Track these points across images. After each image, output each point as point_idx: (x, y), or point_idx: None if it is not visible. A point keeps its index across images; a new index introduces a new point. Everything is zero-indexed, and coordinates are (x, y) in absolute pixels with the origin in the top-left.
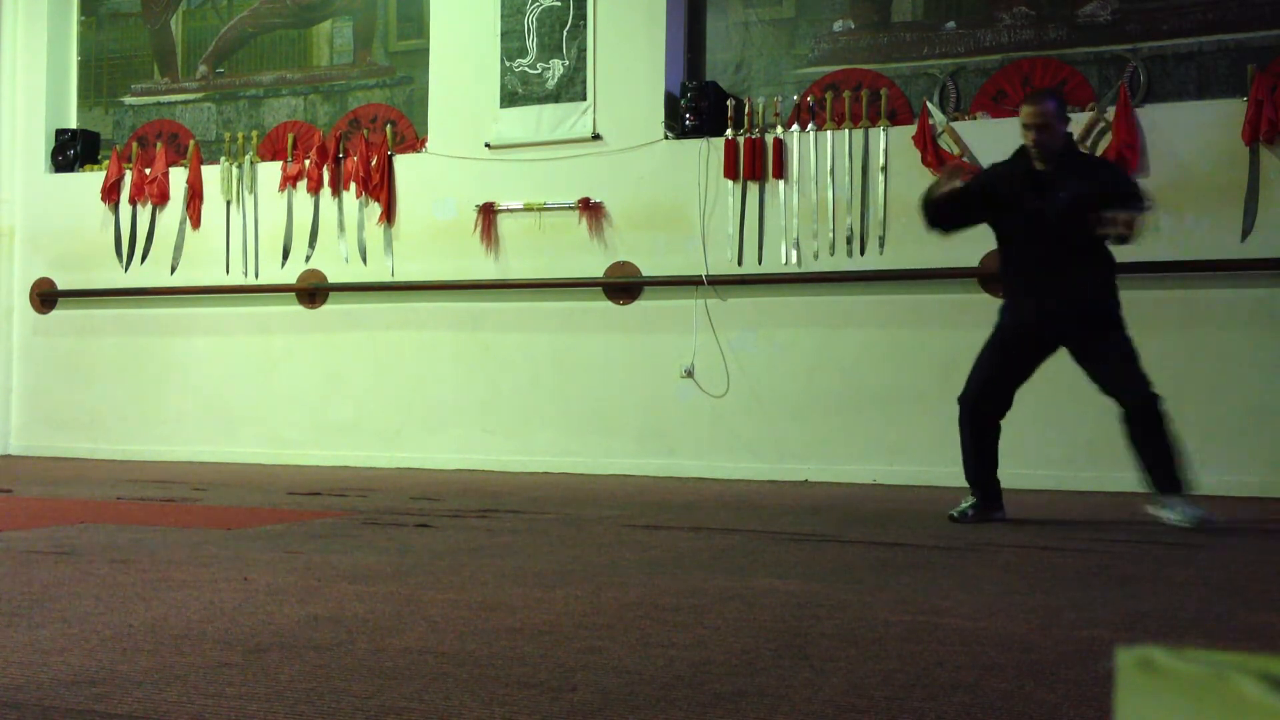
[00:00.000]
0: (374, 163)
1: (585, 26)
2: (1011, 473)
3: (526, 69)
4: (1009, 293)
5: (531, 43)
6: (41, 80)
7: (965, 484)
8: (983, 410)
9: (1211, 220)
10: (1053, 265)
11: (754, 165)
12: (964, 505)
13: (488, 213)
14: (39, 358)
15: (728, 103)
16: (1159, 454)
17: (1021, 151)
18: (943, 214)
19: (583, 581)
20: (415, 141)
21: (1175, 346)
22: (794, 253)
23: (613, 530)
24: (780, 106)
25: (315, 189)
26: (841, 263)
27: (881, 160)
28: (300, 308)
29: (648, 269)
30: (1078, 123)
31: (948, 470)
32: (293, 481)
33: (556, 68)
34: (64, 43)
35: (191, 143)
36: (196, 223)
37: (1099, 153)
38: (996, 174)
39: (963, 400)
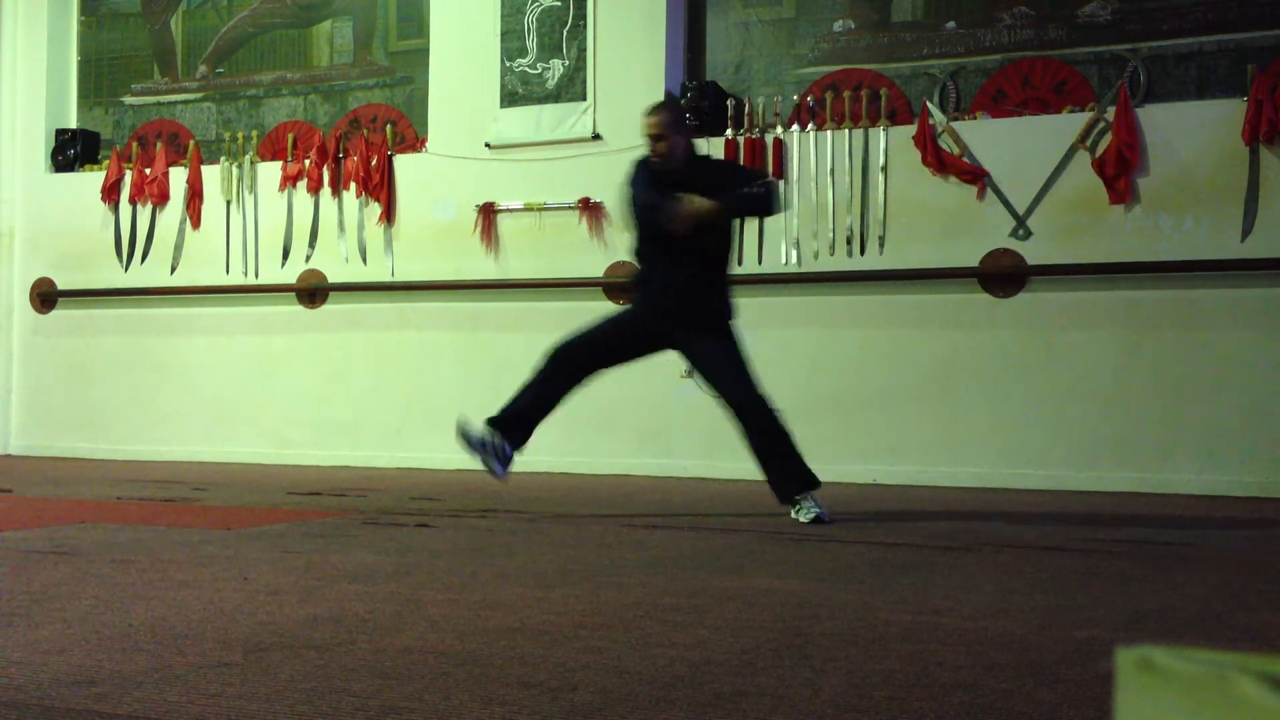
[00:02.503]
0: (374, 163)
1: (585, 26)
2: (1012, 472)
3: (526, 69)
4: (639, 285)
5: (531, 43)
6: (41, 80)
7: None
8: (571, 360)
9: (1211, 220)
10: (675, 270)
11: (754, 165)
12: (480, 430)
13: (488, 213)
14: (39, 358)
15: (728, 103)
16: (784, 460)
17: (644, 161)
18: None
19: (583, 581)
20: (415, 141)
21: (1175, 346)
22: (794, 253)
23: (613, 530)
24: (780, 106)
25: (315, 189)
26: (841, 263)
27: (881, 160)
28: (300, 308)
29: None
30: (1078, 123)
31: (948, 470)
32: (293, 481)
33: (556, 68)
34: (64, 43)
35: (191, 143)
36: (196, 223)
37: (1098, 153)
38: (633, 181)
39: (561, 344)
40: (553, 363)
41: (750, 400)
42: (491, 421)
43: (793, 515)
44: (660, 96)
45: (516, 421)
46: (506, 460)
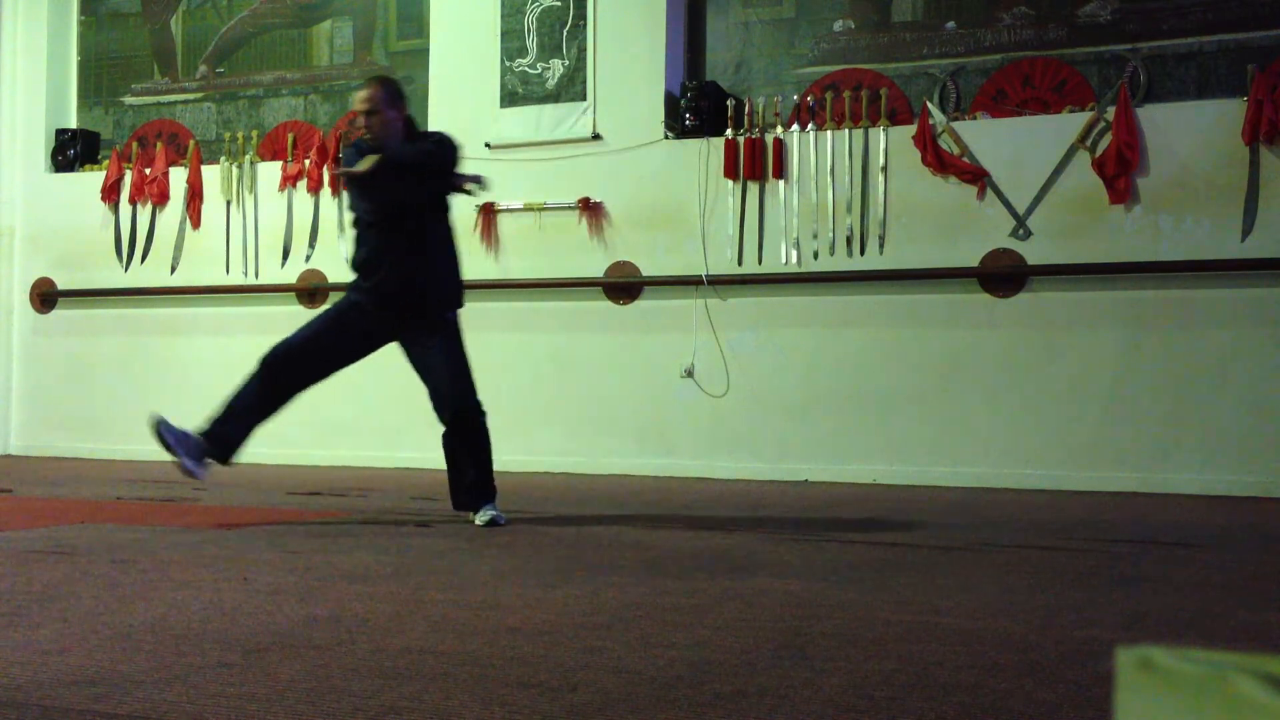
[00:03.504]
0: None
1: (585, 26)
2: (1012, 472)
3: (526, 69)
4: (355, 274)
5: (531, 43)
6: (41, 80)
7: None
8: (287, 367)
9: (1211, 220)
10: (393, 255)
11: (754, 165)
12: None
13: (488, 213)
14: (39, 358)
15: (728, 103)
16: (479, 470)
17: (357, 142)
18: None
19: (583, 581)
20: None
21: (1175, 346)
22: (794, 253)
23: (613, 530)
24: (780, 106)
25: (315, 189)
26: (841, 263)
27: (881, 160)
28: (300, 308)
29: (648, 269)
30: (1078, 123)
31: (948, 470)
32: (293, 481)
33: (556, 68)
34: (64, 43)
35: (191, 143)
36: (196, 223)
37: (1098, 153)
38: (349, 160)
39: (274, 349)
40: (265, 372)
41: (465, 401)
42: (202, 435)
43: (471, 517)
44: (660, 96)
45: (223, 440)
46: (202, 455)
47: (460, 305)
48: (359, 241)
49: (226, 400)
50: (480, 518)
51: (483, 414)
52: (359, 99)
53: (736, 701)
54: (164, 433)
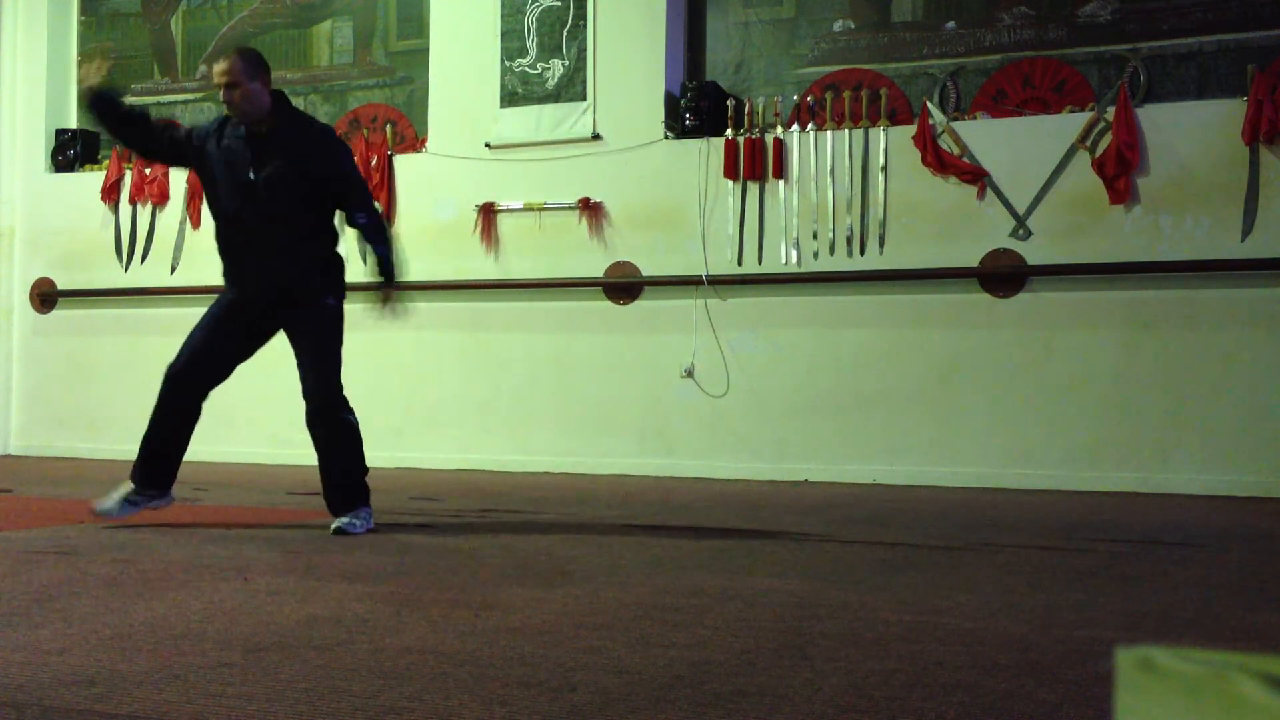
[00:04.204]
0: (374, 163)
1: (585, 26)
2: (1012, 472)
3: (526, 69)
4: (224, 266)
5: (531, 43)
6: (41, 80)
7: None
8: (186, 381)
9: (1211, 220)
10: (260, 241)
11: (754, 165)
12: (119, 495)
13: (488, 213)
14: (39, 358)
15: (728, 103)
16: (342, 469)
17: (222, 119)
18: (106, 119)
19: (583, 581)
20: (415, 141)
21: (1175, 346)
22: (794, 253)
23: (613, 530)
24: (780, 106)
25: None
26: (841, 263)
27: (881, 160)
28: None
29: (648, 269)
30: (1078, 123)
31: (948, 470)
32: (293, 481)
33: (556, 68)
34: (64, 43)
35: None
36: (196, 222)
37: (1098, 153)
38: (208, 133)
39: (169, 370)
40: (172, 386)
41: (320, 393)
42: (133, 478)
43: (340, 525)
44: (660, 96)
45: (154, 468)
46: (161, 495)
47: (332, 295)
48: (218, 235)
49: (147, 436)
50: (333, 525)
51: (342, 410)
52: (217, 72)
53: (736, 701)
54: (130, 509)
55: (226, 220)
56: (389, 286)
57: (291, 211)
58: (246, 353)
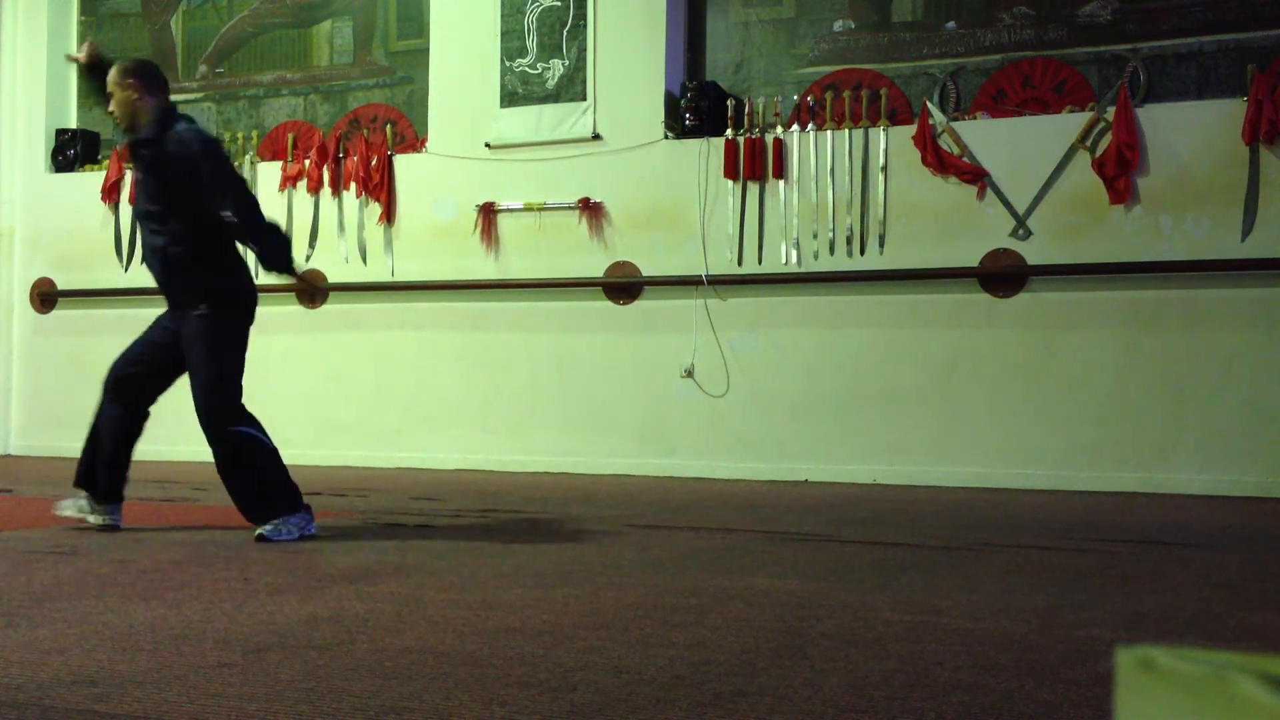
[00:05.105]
0: (374, 163)
1: (585, 26)
2: (1012, 472)
3: (526, 69)
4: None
5: (531, 42)
6: (41, 80)
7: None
8: (128, 377)
9: (1211, 220)
10: (149, 251)
11: (754, 165)
12: (92, 517)
13: (488, 213)
14: (39, 358)
15: (728, 103)
16: (245, 485)
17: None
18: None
19: (583, 581)
20: (415, 141)
21: (1175, 346)
22: (794, 253)
23: (613, 530)
24: (780, 106)
25: (315, 189)
26: (841, 263)
27: (881, 160)
28: (300, 308)
29: (648, 269)
30: (1078, 123)
31: (947, 470)
32: None
33: (556, 68)
34: (64, 43)
35: None
36: None
37: (1098, 153)
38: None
39: (112, 367)
40: (108, 395)
41: (200, 404)
42: (78, 486)
43: (264, 532)
44: (660, 96)
45: (101, 479)
46: (113, 509)
47: (205, 304)
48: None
49: (90, 447)
50: (255, 532)
51: (230, 424)
52: (108, 79)
53: (736, 701)
54: (68, 514)
55: (141, 233)
56: (294, 279)
57: (160, 216)
58: (167, 357)
